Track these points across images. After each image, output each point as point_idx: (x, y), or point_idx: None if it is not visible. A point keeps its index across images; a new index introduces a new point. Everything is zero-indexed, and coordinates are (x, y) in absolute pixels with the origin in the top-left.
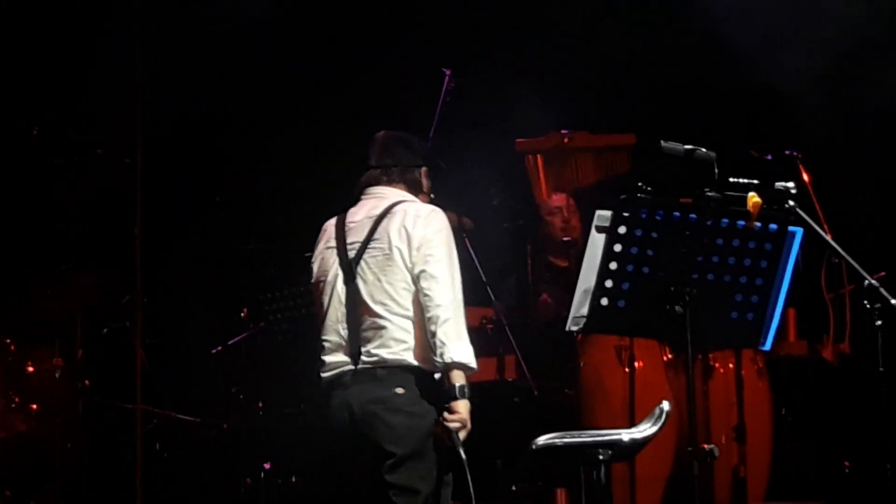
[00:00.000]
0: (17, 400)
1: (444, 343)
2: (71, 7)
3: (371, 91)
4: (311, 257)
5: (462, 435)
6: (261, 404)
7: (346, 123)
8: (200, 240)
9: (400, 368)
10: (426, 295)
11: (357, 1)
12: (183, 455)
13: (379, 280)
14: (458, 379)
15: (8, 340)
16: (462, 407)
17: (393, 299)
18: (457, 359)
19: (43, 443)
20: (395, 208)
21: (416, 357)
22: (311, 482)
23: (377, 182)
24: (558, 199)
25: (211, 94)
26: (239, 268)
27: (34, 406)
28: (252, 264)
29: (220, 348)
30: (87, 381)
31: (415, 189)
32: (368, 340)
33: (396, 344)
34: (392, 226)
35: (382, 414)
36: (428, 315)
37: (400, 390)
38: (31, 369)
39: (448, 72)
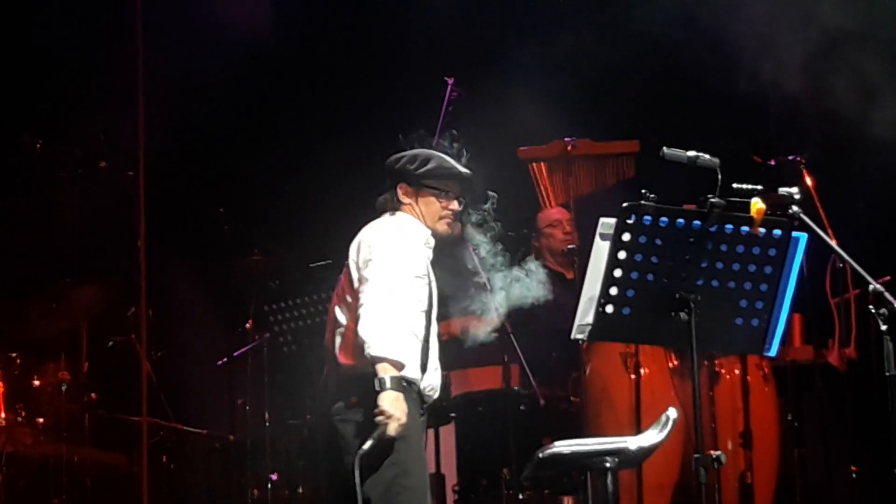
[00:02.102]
0: (23, 414)
1: (364, 340)
2: (73, 20)
3: (374, 101)
4: (314, 268)
5: (392, 428)
6: (267, 415)
7: (350, 134)
8: (204, 252)
9: (357, 376)
10: (359, 298)
11: (360, 11)
12: (190, 467)
13: (343, 293)
14: (381, 372)
15: (14, 354)
16: (383, 400)
17: (351, 310)
18: (377, 353)
19: (50, 456)
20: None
21: (353, 359)
22: (318, 492)
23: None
24: (558, 212)
25: (214, 107)
26: (243, 279)
27: (40, 420)
28: (256, 276)
29: (225, 360)
30: (93, 395)
31: (391, 208)
32: (337, 350)
33: (355, 351)
34: (353, 243)
35: (338, 425)
36: (356, 316)
37: (354, 399)
38: (37, 383)
39: (450, 80)
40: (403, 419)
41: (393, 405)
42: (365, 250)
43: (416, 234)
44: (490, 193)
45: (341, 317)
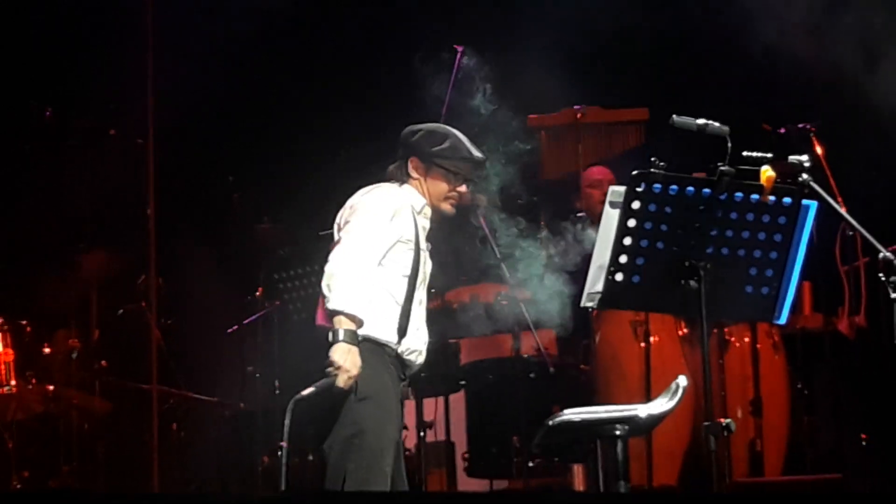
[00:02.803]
0: (34, 381)
1: (325, 295)
2: None
3: (385, 69)
4: (324, 236)
5: (341, 380)
6: (277, 383)
7: (359, 103)
8: (214, 220)
9: (323, 334)
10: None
11: None
12: (200, 435)
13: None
14: (336, 324)
15: (24, 322)
16: (334, 351)
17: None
18: (333, 306)
19: (60, 424)
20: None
21: (327, 320)
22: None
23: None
24: (600, 172)
25: (224, 74)
26: (253, 247)
27: (50, 387)
28: (266, 244)
29: (235, 328)
30: (103, 362)
31: (399, 179)
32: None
33: (323, 310)
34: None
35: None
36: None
37: (324, 356)
38: (47, 351)
39: (460, 49)
40: (353, 372)
41: (343, 357)
42: (346, 213)
43: (406, 200)
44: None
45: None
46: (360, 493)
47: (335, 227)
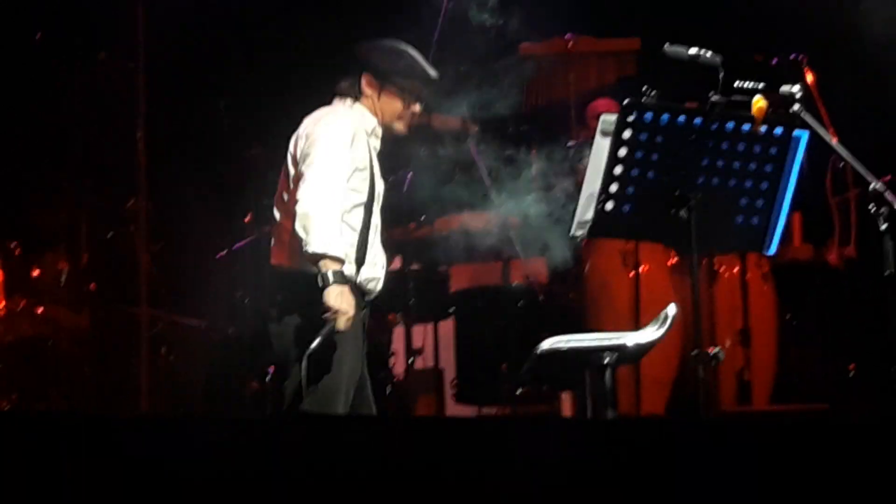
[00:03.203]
0: (22, 304)
1: (302, 238)
2: None
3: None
4: None
5: (341, 322)
6: (269, 309)
7: (350, 29)
8: (204, 144)
9: (287, 274)
10: (295, 196)
11: None
12: (188, 359)
13: (280, 190)
14: (322, 268)
15: (13, 244)
16: (328, 295)
17: (287, 208)
18: (316, 250)
19: (49, 347)
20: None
21: (287, 259)
22: None
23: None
24: (605, 104)
25: None
26: (243, 172)
27: (40, 310)
28: (256, 169)
29: (225, 253)
30: (92, 285)
31: (351, 95)
32: (272, 250)
33: (290, 250)
34: (294, 135)
35: (271, 328)
36: (293, 214)
37: (279, 297)
38: (36, 273)
39: None
40: (351, 312)
41: (338, 300)
42: (302, 144)
43: (360, 124)
44: None
45: (276, 215)
46: (350, 416)
47: (289, 157)
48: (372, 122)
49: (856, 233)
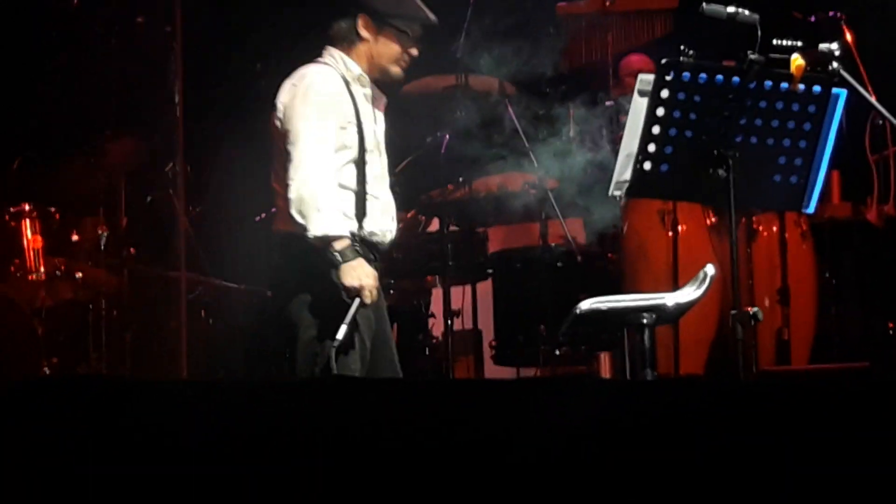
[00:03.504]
0: (62, 268)
1: (300, 223)
2: None
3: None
4: None
5: (367, 297)
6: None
7: None
8: (242, 107)
9: (279, 238)
10: (286, 169)
11: None
12: (227, 322)
13: (272, 150)
14: (330, 250)
15: (52, 209)
16: (345, 274)
17: (279, 175)
18: (318, 234)
19: (89, 311)
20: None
21: (286, 224)
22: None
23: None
24: (640, 61)
25: None
26: None
27: (79, 274)
28: None
29: (263, 215)
30: (131, 249)
31: (342, 43)
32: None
33: (280, 214)
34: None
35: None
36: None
37: (282, 263)
38: (75, 238)
39: None
40: (371, 282)
41: (354, 277)
42: (281, 112)
43: (338, 79)
44: None
45: (273, 179)
46: (390, 379)
47: (272, 126)
48: (356, 71)
49: (895, 190)
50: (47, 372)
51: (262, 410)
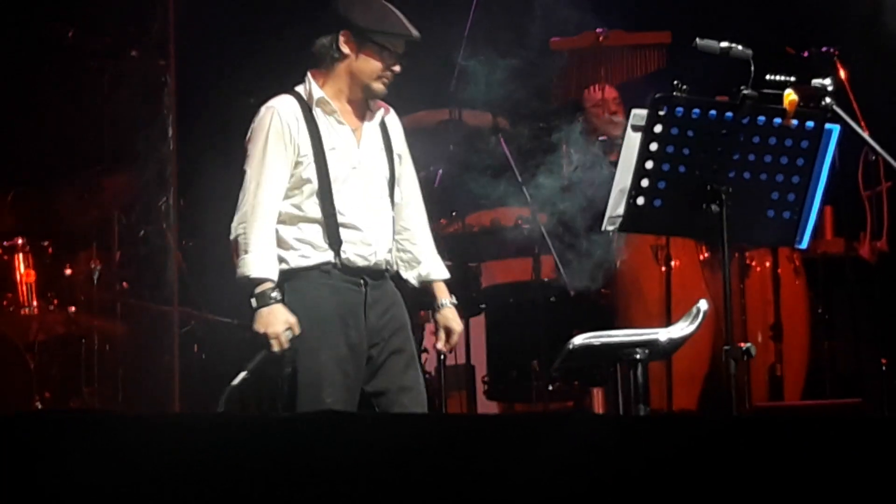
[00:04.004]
0: (55, 302)
1: (235, 261)
2: None
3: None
4: None
5: (275, 346)
6: None
7: None
8: (235, 141)
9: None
10: None
11: None
12: (220, 357)
13: None
14: (251, 292)
15: (45, 243)
16: (255, 319)
17: None
18: (239, 275)
19: (81, 345)
20: None
21: None
22: None
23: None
24: (599, 90)
25: None
26: None
27: (72, 308)
28: None
29: None
30: (124, 284)
31: (323, 62)
32: None
33: None
34: None
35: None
36: None
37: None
38: (68, 272)
39: None
40: (279, 328)
41: (263, 324)
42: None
43: (289, 112)
44: None
45: None
46: (380, 414)
47: None
48: (317, 95)
49: (888, 226)
50: (40, 406)
51: (254, 445)
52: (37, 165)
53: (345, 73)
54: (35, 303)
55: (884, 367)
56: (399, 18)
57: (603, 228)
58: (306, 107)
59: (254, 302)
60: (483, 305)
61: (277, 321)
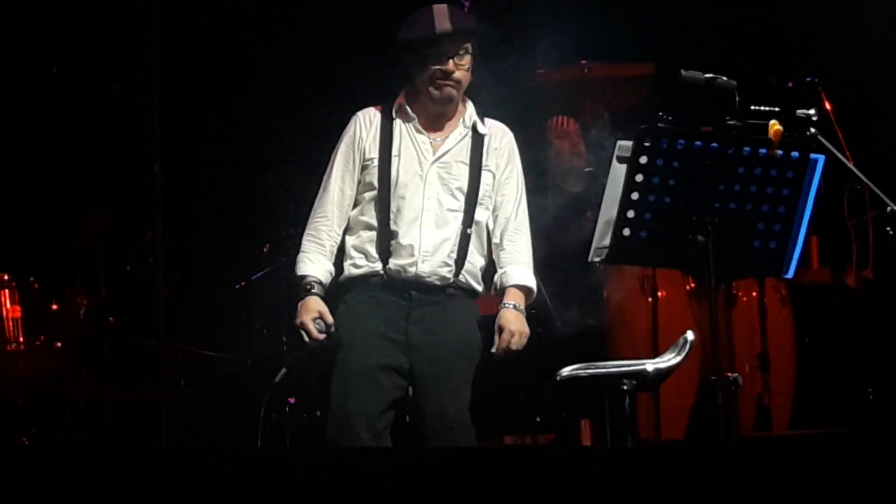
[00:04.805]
0: (41, 338)
1: None
2: None
3: (391, 24)
4: None
5: (304, 335)
6: (284, 339)
7: (366, 57)
8: (221, 175)
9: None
10: None
11: None
12: (207, 391)
13: None
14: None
15: (31, 279)
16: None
17: None
18: (296, 272)
19: (68, 380)
20: None
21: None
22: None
23: None
24: (563, 121)
25: (229, 27)
26: (260, 203)
27: (58, 344)
28: (273, 199)
29: (243, 284)
30: (110, 319)
31: (410, 83)
32: None
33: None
34: None
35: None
36: None
37: None
38: (54, 307)
39: (467, 3)
40: (305, 318)
41: (298, 314)
42: None
43: (362, 120)
44: None
45: None
46: (367, 448)
47: None
48: (394, 105)
49: (873, 255)
50: (26, 442)
51: (243, 481)
52: (22, 200)
53: (416, 88)
54: (21, 338)
55: (870, 397)
56: (426, 18)
57: (589, 260)
58: (388, 115)
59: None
60: None
61: (308, 311)
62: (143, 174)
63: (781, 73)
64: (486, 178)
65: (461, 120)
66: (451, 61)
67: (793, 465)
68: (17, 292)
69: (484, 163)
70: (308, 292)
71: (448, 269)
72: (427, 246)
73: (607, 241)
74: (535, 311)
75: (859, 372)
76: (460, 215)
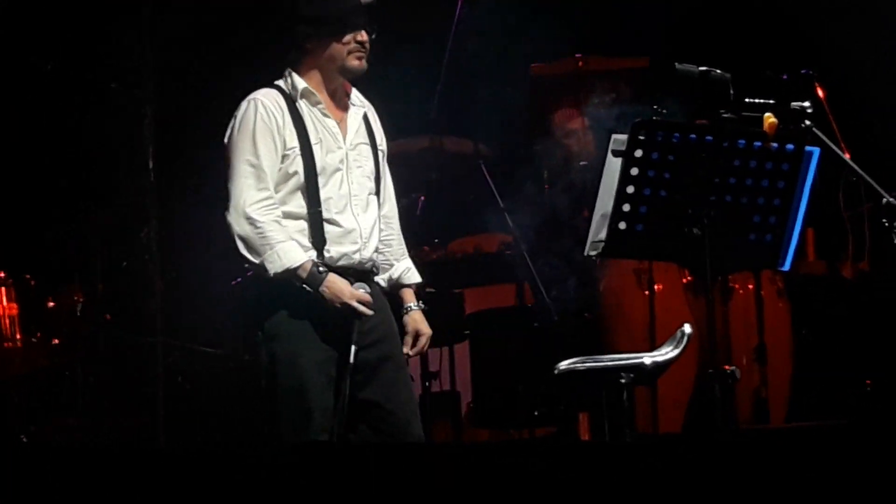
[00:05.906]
0: (38, 335)
1: (254, 262)
2: None
3: (384, 17)
4: None
5: (360, 309)
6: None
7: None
8: (215, 171)
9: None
10: None
11: None
12: (205, 387)
13: None
14: (297, 281)
15: (28, 276)
16: (329, 295)
17: None
18: (277, 272)
19: (65, 377)
20: None
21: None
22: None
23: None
24: (574, 122)
25: (223, 25)
26: None
27: (56, 341)
28: None
29: (239, 280)
30: (107, 316)
31: (296, 60)
32: None
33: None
34: None
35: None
36: None
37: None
38: (51, 305)
39: None
40: (347, 295)
41: (332, 296)
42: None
43: (269, 107)
44: None
45: None
46: (368, 444)
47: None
48: (299, 87)
49: (869, 247)
50: (24, 440)
51: (241, 478)
52: (18, 198)
53: (317, 65)
54: (18, 336)
55: (868, 388)
56: None
57: (585, 254)
58: (290, 99)
59: (308, 288)
60: (467, 332)
61: (344, 288)
62: (139, 171)
63: (776, 65)
64: (380, 156)
65: (350, 101)
66: (362, 32)
67: (790, 457)
68: (14, 289)
69: (378, 142)
70: (324, 272)
71: (377, 254)
72: (365, 232)
73: (603, 235)
74: (531, 305)
75: (857, 364)
76: (375, 198)
